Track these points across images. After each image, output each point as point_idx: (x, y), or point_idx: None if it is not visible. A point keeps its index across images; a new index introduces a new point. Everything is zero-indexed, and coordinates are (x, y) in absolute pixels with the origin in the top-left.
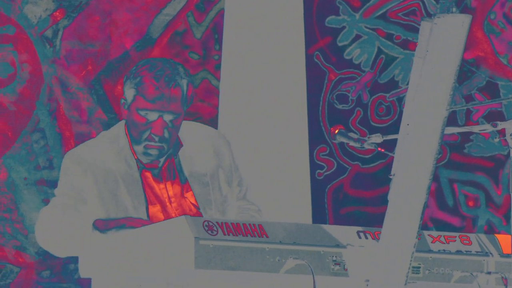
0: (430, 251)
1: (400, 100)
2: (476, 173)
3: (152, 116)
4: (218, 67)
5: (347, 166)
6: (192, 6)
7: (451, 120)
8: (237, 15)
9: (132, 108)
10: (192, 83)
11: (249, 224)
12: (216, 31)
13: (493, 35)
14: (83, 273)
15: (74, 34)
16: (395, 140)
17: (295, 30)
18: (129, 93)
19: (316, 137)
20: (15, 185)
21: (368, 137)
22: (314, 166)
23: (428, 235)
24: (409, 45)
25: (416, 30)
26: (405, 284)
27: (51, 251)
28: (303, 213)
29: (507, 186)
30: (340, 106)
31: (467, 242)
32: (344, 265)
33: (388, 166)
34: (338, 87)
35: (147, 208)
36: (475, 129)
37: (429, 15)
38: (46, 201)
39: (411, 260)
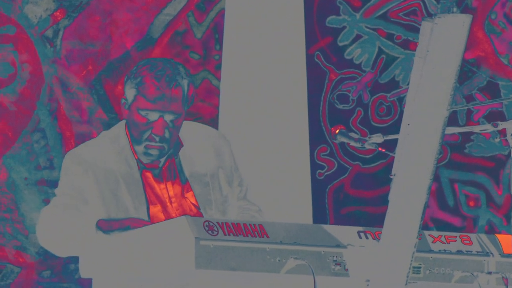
0: (430, 251)
1: (401, 100)
2: (476, 173)
3: (153, 116)
4: (218, 67)
5: (348, 166)
6: (192, 6)
7: (452, 120)
8: (238, 15)
9: (132, 108)
10: (193, 83)
11: (250, 224)
12: (216, 31)
13: (494, 35)
14: (84, 273)
15: (75, 34)
16: (396, 140)
17: (296, 30)
18: (130, 93)
19: (316, 137)
20: (16, 185)
21: (369, 137)
22: (314, 166)
23: (429, 235)
24: (409, 45)
25: (416, 30)
26: (406, 284)
27: (53, 251)
28: (304, 213)
29: (507, 186)
30: (340, 106)
31: (468, 242)
32: (344, 265)
33: (389, 166)
34: (338, 87)
35: (147, 208)
36: (476, 129)
37: (430, 15)
38: (46, 201)
39: (411, 260)
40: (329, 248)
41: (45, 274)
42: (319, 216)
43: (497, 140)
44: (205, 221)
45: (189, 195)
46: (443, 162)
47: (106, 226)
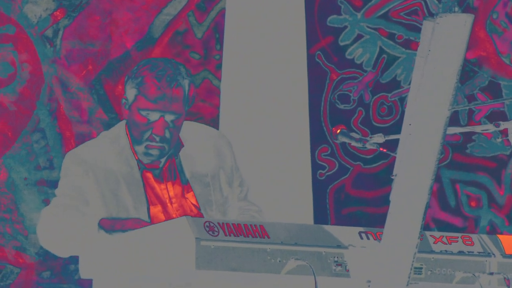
0: (432, 251)
1: (402, 100)
2: (478, 173)
3: (154, 116)
4: (219, 67)
5: (349, 167)
6: (193, 6)
7: (453, 120)
8: (238, 15)
9: (133, 108)
10: (193, 84)
11: (250, 225)
12: (217, 30)
13: (496, 34)
14: (84, 274)
15: (75, 33)
16: (397, 140)
17: (297, 29)
18: (131, 93)
19: (317, 137)
20: (15, 185)
21: (370, 137)
22: (315, 167)
23: (430, 235)
24: (411, 45)
25: (418, 30)
26: (407, 285)
27: (54, 252)
28: (305, 213)
29: (509, 187)
30: (341, 106)
31: (469, 242)
32: (345, 266)
33: (390, 166)
34: (339, 87)
35: (148, 209)
36: (477, 129)
37: (431, 15)
38: (46, 201)
39: (413, 261)
40: (330, 248)
41: (44, 275)
42: (320, 217)
43: (499, 140)
44: (205, 222)
45: (189, 195)
46: (445, 162)
47: (108, 225)
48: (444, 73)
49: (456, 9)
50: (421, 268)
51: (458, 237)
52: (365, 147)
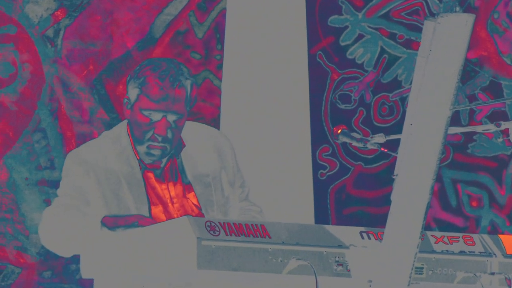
0: (433, 251)
1: (403, 100)
2: (479, 173)
3: (156, 116)
4: (220, 67)
5: (350, 166)
6: (194, 6)
7: (454, 120)
8: (239, 15)
9: (135, 108)
10: (196, 84)
11: (252, 225)
12: (218, 30)
13: (497, 34)
14: (85, 273)
15: (76, 33)
16: (398, 140)
17: (298, 29)
18: (133, 92)
19: (318, 137)
20: (16, 185)
21: (371, 137)
22: (316, 166)
23: (431, 235)
24: (412, 45)
25: (419, 30)
26: (408, 284)
27: (56, 252)
28: (306, 213)
29: (510, 187)
30: (342, 106)
31: (471, 242)
32: (346, 265)
33: (391, 166)
34: (340, 87)
35: (149, 209)
36: (479, 129)
37: (432, 15)
38: (47, 201)
39: (414, 261)
40: (331, 248)
41: (45, 275)
42: (321, 217)
43: (500, 140)
44: (207, 221)
45: (190, 195)
46: (446, 162)
47: (111, 222)
48: (445, 73)
49: (457, 9)
50: (422, 268)
51: (459, 237)
52: (366, 147)
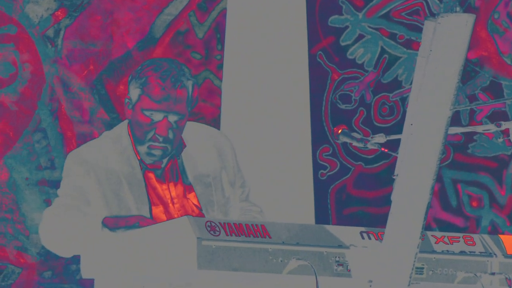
0: (433, 251)
1: (404, 100)
2: (479, 173)
3: (157, 116)
4: (220, 67)
5: (350, 166)
6: (194, 6)
7: (455, 120)
8: (240, 15)
9: (136, 108)
10: (197, 84)
11: (252, 225)
12: (218, 30)
13: (497, 34)
14: (85, 273)
15: (76, 33)
16: (399, 140)
17: (298, 29)
18: (134, 93)
19: (319, 137)
20: (17, 186)
21: (371, 137)
22: (317, 166)
23: (432, 235)
24: (412, 45)
25: (419, 30)
26: (409, 285)
27: (56, 252)
28: (306, 213)
29: (510, 187)
30: (343, 106)
31: (471, 242)
32: (347, 265)
33: (392, 166)
34: (341, 87)
35: (150, 209)
36: (479, 129)
37: (433, 15)
38: (47, 202)
39: (414, 261)
40: (331, 248)
41: (46, 275)
42: (322, 217)
43: (500, 140)
44: (207, 221)
45: (191, 196)
46: (446, 162)
47: (112, 223)
48: (445, 73)
49: (458, 9)
50: (423, 268)
51: (459, 237)
52: (367, 147)
